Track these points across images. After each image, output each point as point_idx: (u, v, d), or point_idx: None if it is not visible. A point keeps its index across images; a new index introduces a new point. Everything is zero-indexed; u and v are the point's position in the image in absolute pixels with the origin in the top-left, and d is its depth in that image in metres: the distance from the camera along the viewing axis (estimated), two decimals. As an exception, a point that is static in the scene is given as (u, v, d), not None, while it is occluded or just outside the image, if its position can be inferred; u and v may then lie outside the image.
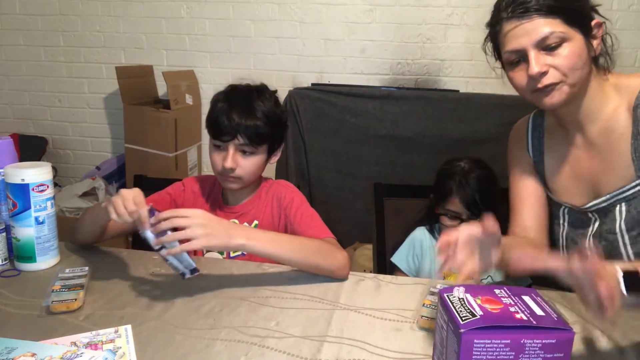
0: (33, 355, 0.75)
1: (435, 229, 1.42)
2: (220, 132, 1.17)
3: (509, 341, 0.60)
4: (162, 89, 2.85)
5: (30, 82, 3.12)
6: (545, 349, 0.60)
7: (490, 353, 0.60)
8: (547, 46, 0.94)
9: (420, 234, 1.41)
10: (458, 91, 2.60)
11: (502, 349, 0.60)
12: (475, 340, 0.60)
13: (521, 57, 0.97)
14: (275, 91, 1.29)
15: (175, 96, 2.58)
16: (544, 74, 0.95)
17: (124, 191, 1.00)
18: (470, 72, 2.68)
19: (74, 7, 2.97)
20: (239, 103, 1.18)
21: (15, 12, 3.04)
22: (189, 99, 2.72)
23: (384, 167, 2.48)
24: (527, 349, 0.60)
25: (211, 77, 2.91)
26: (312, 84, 2.70)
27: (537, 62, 0.94)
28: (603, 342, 0.84)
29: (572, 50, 0.94)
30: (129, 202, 0.98)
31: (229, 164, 1.17)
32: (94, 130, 3.13)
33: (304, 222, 1.20)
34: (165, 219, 0.95)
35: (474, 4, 2.59)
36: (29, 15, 3.03)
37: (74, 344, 0.80)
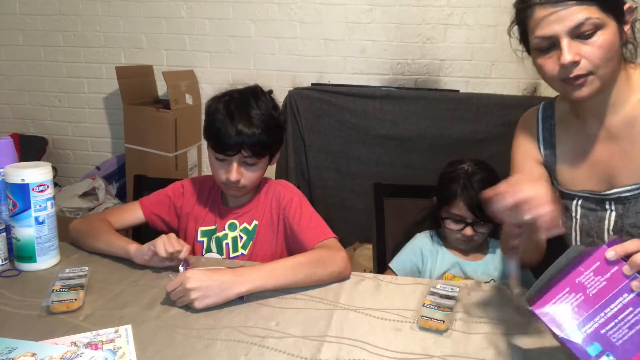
0: (33, 355, 0.75)
1: (436, 235, 1.41)
2: (223, 147, 1.14)
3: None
4: (162, 89, 2.85)
5: (30, 82, 3.12)
6: None
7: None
8: (581, 34, 0.91)
9: (421, 240, 1.40)
10: (458, 91, 2.60)
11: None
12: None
13: (552, 44, 0.94)
14: (271, 91, 1.26)
15: (175, 96, 2.58)
16: (576, 63, 0.92)
17: (172, 238, 1.09)
18: (470, 72, 2.68)
19: (74, 7, 2.97)
20: (239, 115, 1.15)
21: (15, 12, 3.04)
22: (189, 99, 2.72)
23: (384, 167, 2.48)
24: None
25: (211, 77, 2.91)
26: (312, 84, 2.70)
27: (569, 50, 0.91)
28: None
29: (605, 38, 0.91)
30: (176, 243, 1.07)
31: (234, 177, 1.16)
32: (94, 130, 3.13)
33: (303, 223, 1.20)
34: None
35: (474, 4, 2.59)
36: (29, 15, 3.03)
37: (74, 344, 0.80)
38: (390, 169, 2.48)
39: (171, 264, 1.08)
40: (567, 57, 0.91)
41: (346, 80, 2.74)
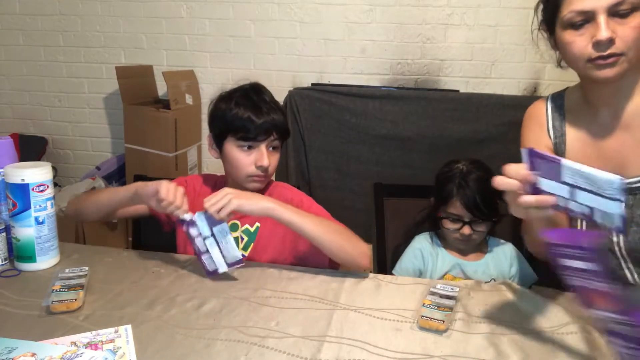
0: (33, 355, 0.75)
1: (436, 236, 1.41)
2: (255, 133, 1.18)
3: None
4: (162, 89, 2.85)
5: (30, 82, 3.12)
6: None
7: None
8: (617, 12, 0.90)
9: (420, 243, 1.40)
10: (458, 91, 2.60)
11: None
12: None
13: (586, 20, 0.93)
14: None
15: (175, 96, 2.58)
16: (612, 41, 0.91)
17: (179, 190, 1.11)
18: (470, 72, 2.68)
19: (74, 7, 2.97)
20: (260, 102, 1.20)
21: (15, 12, 3.04)
22: (189, 99, 2.72)
23: (384, 167, 2.48)
24: None
25: (211, 77, 2.91)
26: (312, 84, 2.70)
27: (607, 27, 0.90)
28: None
29: None
30: (180, 196, 1.10)
31: (266, 161, 1.18)
32: (94, 130, 3.13)
33: None
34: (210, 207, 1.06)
35: (474, 4, 2.59)
36: (29, 15, 3.03)
37: (74, 344, 0.80)
38: (390, 169, 2.48)
39: (163, 212, 1.13)
40: (605, 33, 0.90)
41: (346, 80, 2.74)
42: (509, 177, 0.82)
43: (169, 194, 1.08)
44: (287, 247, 1.24)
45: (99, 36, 2.99)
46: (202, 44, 2.89)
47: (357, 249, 1.12)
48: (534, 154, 0.77)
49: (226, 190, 1.08)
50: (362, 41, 2.73)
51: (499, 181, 0.82)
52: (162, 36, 2.92)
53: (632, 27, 0.90)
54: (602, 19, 0.90)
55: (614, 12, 0.90)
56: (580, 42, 0.94)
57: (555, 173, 0.75)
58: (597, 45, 0.92)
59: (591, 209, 0.74)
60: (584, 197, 0.74)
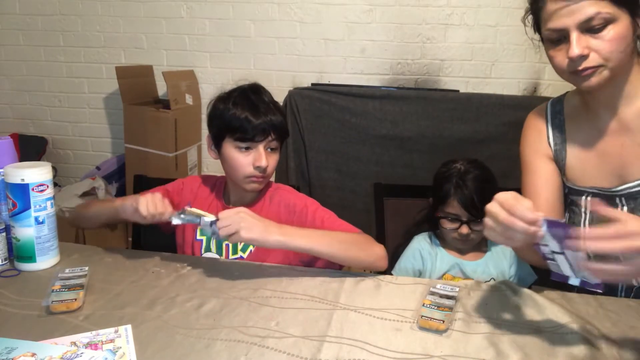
0: (33, 355, 0.75)
1: (435, 236, 1.41)
2: (253, 133, 1.17)
3: None
4: (162, 89, 2.85)
5: (30, 82, 3.12)
6: None
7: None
8: (590, 28, 0.91)
9: (419, 243, 1.40)
10: (458, 91, 2.60)
11: None
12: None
13: (563, 37, 0.95)
14: None
15: (175, 96, 2.58)
16: (585, 57, 0.93)
17: (156, 198, 1.10)
18: (470, 72, 2.68)
19: (74, 7, 2.97)
20: (259, 102, 1.20)
21: (15, 12, 3.04)
22: (189, 99, 2.72)
23: (384, 167, 2.48)
24: None
25: (211, 77, 2.91)
26: (312, 84, 2.70)
27: (578, 44, 0.92)
28: (603, 343, 0.84)
29: (616, 32, 0.91)
30: (160, 204, 1.09)
31: (264, 162, 1.18)
32: (94, 130, 3.13)
33: (329, 223, 1.20)
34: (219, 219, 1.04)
35: (474, 4, 2.60)
36: (29, 15, 3.03)
37: (74, 344, 0.80)
38: (390, 169, 2.48)
39: (152, 222, 1.11)
40: (576, 50, 0.92)
41: (346, 80, 2.74)
42: (513, 213, 0.79)
43: (149, 208, 1.08)
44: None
45: (99, 36, 2.99)
46: (202, 44, 2.89)
47: (372, 255, 1.13)
48: (567, 228, 0.77)
49: (240, 216, 1.03)
50: (362, 41, 2.73)
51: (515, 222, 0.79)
52: (162, 36, 2.92)
53: (608, 40, 0.92)
54: (574, 36, 0.92)
55: (587, 28, 0.92)
56: (558, 57, 0.98)
57: (561, 241, 0.78)
58: (571, 61, 0.94)
59: (557, 265, 0.82)
60: (562, 261, 0.80)
